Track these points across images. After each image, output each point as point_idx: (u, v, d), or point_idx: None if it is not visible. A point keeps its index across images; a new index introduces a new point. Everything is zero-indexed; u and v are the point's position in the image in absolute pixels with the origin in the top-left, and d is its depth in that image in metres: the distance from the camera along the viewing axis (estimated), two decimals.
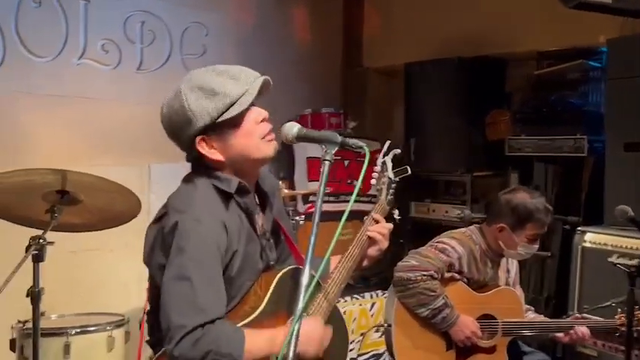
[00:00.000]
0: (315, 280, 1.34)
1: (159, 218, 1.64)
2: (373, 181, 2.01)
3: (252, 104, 1.64)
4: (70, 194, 2.39)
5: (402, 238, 4.14)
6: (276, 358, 1.15)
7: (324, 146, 1.55)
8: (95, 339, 2.62)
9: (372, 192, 2.03)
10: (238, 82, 1.60)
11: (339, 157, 4.29)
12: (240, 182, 1.64)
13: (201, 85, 1.58)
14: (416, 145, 4.38)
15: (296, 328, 1.21)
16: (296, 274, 1.54)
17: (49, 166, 2.33)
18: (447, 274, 2.51)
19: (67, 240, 2.86)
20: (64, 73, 3.43)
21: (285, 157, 4.18)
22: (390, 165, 2.02)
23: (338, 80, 4.96)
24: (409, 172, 2.03)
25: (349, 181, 4.39)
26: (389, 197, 2.01)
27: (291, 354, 1.16)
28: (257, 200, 1.77)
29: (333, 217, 4.55)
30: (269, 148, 1.66)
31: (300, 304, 1.27)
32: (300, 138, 1.63)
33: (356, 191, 1.54)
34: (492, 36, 4.09)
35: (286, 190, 3.46)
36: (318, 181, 4.41)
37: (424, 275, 2.42)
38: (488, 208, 2.79)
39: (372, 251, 1.87)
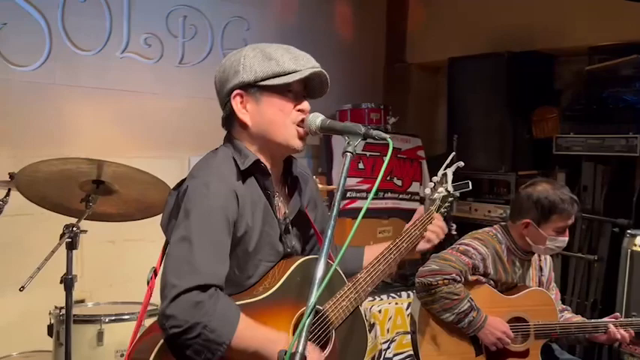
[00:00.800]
0: (331, 271, 1.29)
1: (179, 184, 1.64)
2: (427, 190, 1.92)
3: (303, 95, 1.63)
4: (105, 184, 2.44)
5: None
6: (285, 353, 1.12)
7: (346, 138, 1.50)
8: (128, 327, 2.65)
9: (426, 204, 1.93)
10: (295, 61, 1.59)
11: (377, 153, 4.23)
12: (257, 160, 1.61)
13: (263, 49, 1.60)
14: (458, 142, 4.28)
15: (307, 322, 1.17)
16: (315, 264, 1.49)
17: (90, 156, 2.39)
18: (472, 277, 2.41)
19: (107, 229, 2.94)
20: (107, 66, 3.51)
21: (323, 152, 4.15)
22: (450, 177, 1.95)
23: (380, 76, 4.91)
24: (470, 187, 1.98)
25: (389, 178, 4.32)
26: (442, 210, 1.93)
27: (300, 348, 1.12)
28: (286, 187, 1.74)
29: (372, 214, 4.55)
30: (295, 140, 1.62)
31: (313, 298, 1.23)
32: (324, 129, 1.59)
33: (377, 185, 1.48)
34: (541, 30, 3.97)
35: (320, 185, 3.41)
36: (355, 176, 4.40)
37: (445, 279, 2.33)
38: (511, 205, 2.68)
39: (421, 245, 1.85)
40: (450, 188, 1.93)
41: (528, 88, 3.98)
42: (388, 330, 3.70)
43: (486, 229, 2.60)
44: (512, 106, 4.02)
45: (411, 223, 1.87)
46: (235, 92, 1.59)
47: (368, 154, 4.22)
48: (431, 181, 1.96)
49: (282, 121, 1.60)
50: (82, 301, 3.13)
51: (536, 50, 4.02)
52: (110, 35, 3.51)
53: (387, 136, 1.48)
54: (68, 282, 2.24)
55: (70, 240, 2.22)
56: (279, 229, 1.66)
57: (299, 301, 1.58)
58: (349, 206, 4.13)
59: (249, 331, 1.46)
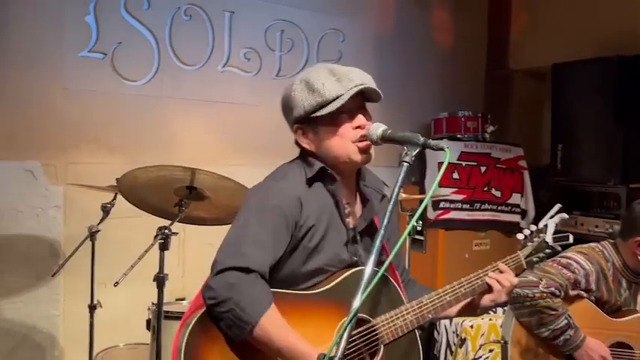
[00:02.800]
0: (377, 278, 1.29)
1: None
2: (520, 236, 1.87)
3: (351, 110, 1.66)
4: (197, 190, 2.60)
5: None
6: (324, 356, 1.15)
7: (405, 148, 1.50)
8: None
9: (522, 248, 1.86)
10: (338, 84, 1.63)
11: (474, 163, 4.12)
12: (322, 167, 1.68)
13: (308, 79, 1.67)
14: (563, 151, 4.07)
15: (348, 328, 1.19)
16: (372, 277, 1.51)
17: (192, 163, 2.56)
18: (572, 292, 2.29)
19: (206, 233, 3.12)
20: (209, 79, 3.73)
21: (417, 161, 4.10)
22: (551, 229, 1.86)
23: (481, 83, 4.78)
24: (571, 239, 1.90)
25: (485, 189, 4.19)
26: (533, 258, 1.85)
27: (339, 353, 1.14)
28: (360, 199, 1.78)
29: (467, 225, 4.46)
30: (357, 155, 1.67)
31: (357, 302, 1.25)
32: (385, 139, 1.61)
33: (431, 191, 1.46)
34: None
35: (413, 195, 3.39)
36: (449, 186, 4.33)
37: (544, 292, 2.24)
38: (622, 221, 2.49)
39: (485, 300, 1.76)
40: (549, 239, 1.84)
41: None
42: (480, 346, 3.58)
43: (592, 244, 2.47)
44: (622, 113, 3.76)
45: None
46: (295, 127, 1.72)
47: (464, 163, 4.12)
48: (528, 228, 1.89)
49: (341, 144, 1.66)
50: (183, 299, 3.33)
51: None
52: (212, 50, 3.74)
53: (445, 146, 1.46)
54: (160, 280, 2.41)
55: (162, 241, 2.39)
56: (345, 237, 1.70)
57: (348, 307, 1.60)
58: (442, 217, 4.07)
59: (274, 327, 1.51)
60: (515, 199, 4.30)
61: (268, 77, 3.93)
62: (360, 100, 1.68)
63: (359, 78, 1.66)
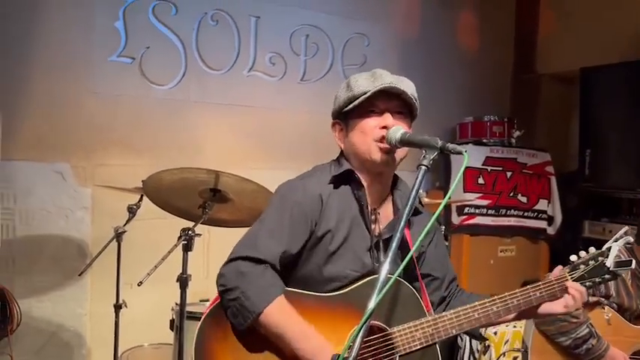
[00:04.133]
0: (390, 283, 1.29)
1: None
2: (574, 257, 1.78)
3: (382, 110, 1.68)
4: (221, 192, 2.63)
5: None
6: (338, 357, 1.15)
7: (424, 151, 1.50)
8: None
9: (571, 270, 1.76)
10: (371, 82, 1.69)
11: (500, 168, 4.08)
12: (349, 170, 1.72)
13: (349, 80, 1.75)
14: (591, 157, 4.01)
15: (362, 329, 1.20)
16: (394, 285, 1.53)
17: (217, 166, 2.58)
18: (592, 299, 2.25)
19: (230, 235, 3.15)
20: (235, 84, 3.78)
21: (442, 166, 4.09)
22: (614, 252, 1.76)
23: (507, 87, 4.73)
24: (633, 265, 1.77)
25: (511, 194, 4.14)
26: (587, 283, 1.75)
27: (354, 353, 1.14)
28: (388, 206, 1.78)
29: (493, 231, 4.41)
30: (376, 154, 1.68)
31: (372, 303, 1.25)
32: (404, 142, 1.61)
33: (449, 193, 1.46)
34: None
35: (437, 200, 3.37)
36: (474, 192, 4.29)
37: None
38: (639, 225, 2.44)
39: (557, 306, 1.71)
40: (610, 263, 1.74)
41: None
42: (504, 354, 3.53)
43: None
44: None
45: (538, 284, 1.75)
46: (333, 122, 1.81)
47: (489, 168, 4.08)
48: (587, 250, 1.79)
49: (363, 140, 1.70)
50: (207, 300, 3.36)
51: None
52: (238, 55, 3.78)
53: (463, 150, 1.45)
54: (183, 281, 2.44)
55: (185, 242, 2.42)
56: (369, 243, 1.71)
57: (360, 312, 1.60)
58: (467, 222, 4.03)
59: (281, 314, 1.53)
60: (542, 205, 4.24)
61: (293, 81, 3.96)
62: (396, 105, 1.70)
63: (387, 78, 1.68)
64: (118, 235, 2.91)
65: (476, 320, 1.65)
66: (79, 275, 3.00)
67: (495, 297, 1.69)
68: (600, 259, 1.76)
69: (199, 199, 2.62)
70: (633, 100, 3.79)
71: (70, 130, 3.34)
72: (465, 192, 3.99)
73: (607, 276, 1.75)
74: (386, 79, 1.68)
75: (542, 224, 4.21)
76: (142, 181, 2.68)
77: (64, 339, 3.38)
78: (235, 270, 1.56)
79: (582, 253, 1.79)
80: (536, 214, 4.24)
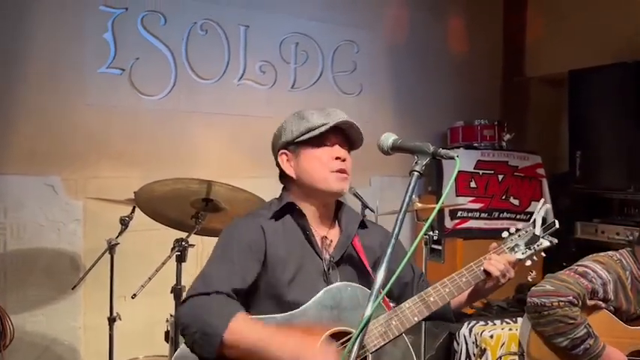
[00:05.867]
0: (388, 288, 1.29)
1: None
2: (505, 234, 1.87)
3: (334, 144, 1.78)
4: (213, 202, 2.63)
5: (564, 260, 3.83)
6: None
7: (416, 157, 1.51)
8: None
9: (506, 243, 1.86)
10: (326, 117, 1.78)
11: (491, 172, 4.10)
12: (289, 203, 1.80)
13: (300, 112, 1.84)
14: (582, 159, 4.03)
15: (359, 335, 1.20)
16: (345, 288, 1.64)
17: (208, 175, 2.59)
18: (590, 302, 2.26)
19: None
20: (225, 93, 3.78)
21: (434, 170, 4.11)
22: (539, 222, 1.86)
23: (497, 91, 4.76)
24: (557, 225, 1.86)
25: (503, 197, 4.16)
26: (526, 251, 1.83)
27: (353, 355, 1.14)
28: (339, 229, 1.85)
29: (486, 234, 4.42)
30: (335, 183, 1.77)
31: (369, 310, 1.25)
32: (395, 148, 1.61)
33: (442, 199, 1.47)
34: None
35: (420, 205, 3.37)
36: (466, 195, 4.30)
37: (561, 301, 2.21)
38: None
39: (488, 285, 1.80)
40: (539, 232, 1.84)
41: None
42: (500, 357, 3.54)
43: (610, 252, 2.43)
44: None
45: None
46: (280, 152, 1.85)
47: (481, 172, 4.10)
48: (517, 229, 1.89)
49: (321, 171, 1.77)
50: None
51: None
52: (228, 64, 3.79)
53: (455, 155, 1.46)
54: (177, 292, 2.43)
55: (179, 253, 2.41)
56: (321, 266, 1.76)
57: (328, 322, 1.64)
58: (460, 226, 4.04)
59: (247, 327, 1.53)
60: (534, 207, 4.22)
61: (284, 89, 3.97)
62: (343, 140, 1.81)
63: (341, 114, 1.79)
64: (111, 248, 2.90)
65: (433, 304, 1.70)
66: (73, 289, 2.98)
67: (444, 279, 1.76)
68: (529, 229, 1.85)
69: (192, 210, 2.62)
70: (621, 101, 3.82)
71: (60, 143, 3.33)
72: (457, 196, 4.01)
73: (542, 242, 1.83)
74: (340, 115, 1.77)
75: None
76: (134, 192, 2.68)
77: (58, 353, 3.36)
78: (189, 306, 1.58)
79: (511, 229, 1.87)
80: (528, 216, 4.22)
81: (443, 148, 1.51)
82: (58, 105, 3.31)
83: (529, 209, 4.25)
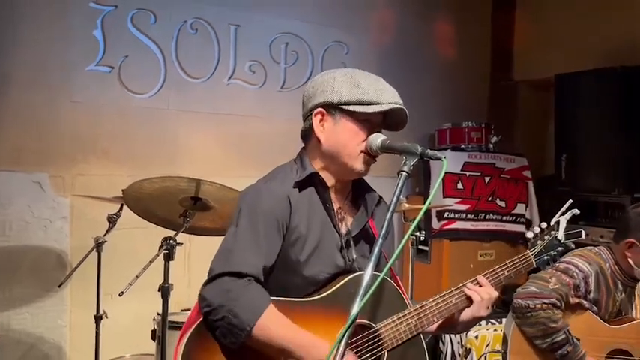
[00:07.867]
0: (377, 282, 1.30)
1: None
2: (530, 234, 1.85)
3: (375, 122, 1.68)
4: (202, 201, 2.63)
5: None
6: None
7: (404, 157, 1.52)
8: None
9: (531, 247, 1.84)
10: (380, 93, 1.66)
11: (478, 174, 4.14)
12: (313, 173, 1.67)
13: (354, 75, 1.68)
14: (567, 162, 4.08)
15: (347, 333, 1.21)
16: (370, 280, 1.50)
17: (197, 174, 2.58)
18: (574, 300, 2.30)
19: (212, 243, 3.14)
20: (215, 92, 3.78)
21: (421, 172, 4.13)
22: (563, 225, 1.86)
23: (485, 94, 4.81)
24: (583, 236, 1.88)
25: (490, 199, 4.20)
26: (544, 257, 1.83)
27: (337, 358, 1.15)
28: (355, 205, 1.78)
29: (472, 236, 4.46)
30: (361, 165, 1.67)
31: (356, 308, 1.26)
32: (384, 149, 1.63)
33: (429, 200, 1.49)
34: None
35: (417, 205, 3.40)
36: (453, 197, 4.34)
37: (545, 303, 2.25)
38: (617, 225, 2.51)
39: (466, 314, 1.73)
40: (561, 236, 1.83)
41: None
42: (485, 357, 3.57)
43: (589, 247, 2.49)
44: (626, 123, 3.77)
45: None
46: (318, 110, 1.67)
47: (468, 174, 4.14)
48: (539, 226, 1.87)
49: (352, 146, 1.65)
50: (189, 310, 3.34)
51: None
52: (218, 63, 3.79)
53: (443, 156, 1.48)
54: (165, 290, 2.43)
55: (167, 251, 2.41)
56: (339, 242, 1.70)
57: (348, 312, 1.61)
58: (447, 227, 4.08)
59: (275, 325, 1.51)
60: (520, 209, 4.31)
61: (273, 89, 3.98)
62: (382, 120, 1.70)
63: (395, 95, 1.70)
64: (98, 245, 2.89)
65: (454, 305, 1.69)
66: (59, 286, 2.97)
67: (444, 292, 1.73)
68: (552, 233, 1.83)
69: (180, 208, 2.62)
70: (607, 105, 3.87)
71: (48, 140, 3.31)
72: (444, 197, 4.04)
73: (560, 248, 1.83)
74: (392, 97, 1.67)
75: (521, 228, 4.27)
76: (122, 190, 2.67)
77: (43, 351, 3.34)
78: (218, 288, 1.51)
79: (535, 229, 1.85)
80: (514, 218, 4.30)
81: (430, 149, 1.53)
82: (46, 102, 3.29)
83: (515, 211, 4.30)
